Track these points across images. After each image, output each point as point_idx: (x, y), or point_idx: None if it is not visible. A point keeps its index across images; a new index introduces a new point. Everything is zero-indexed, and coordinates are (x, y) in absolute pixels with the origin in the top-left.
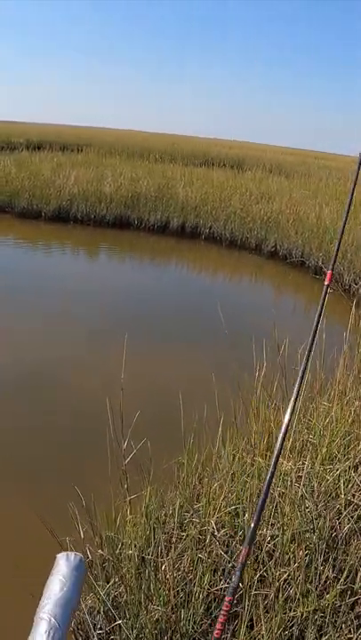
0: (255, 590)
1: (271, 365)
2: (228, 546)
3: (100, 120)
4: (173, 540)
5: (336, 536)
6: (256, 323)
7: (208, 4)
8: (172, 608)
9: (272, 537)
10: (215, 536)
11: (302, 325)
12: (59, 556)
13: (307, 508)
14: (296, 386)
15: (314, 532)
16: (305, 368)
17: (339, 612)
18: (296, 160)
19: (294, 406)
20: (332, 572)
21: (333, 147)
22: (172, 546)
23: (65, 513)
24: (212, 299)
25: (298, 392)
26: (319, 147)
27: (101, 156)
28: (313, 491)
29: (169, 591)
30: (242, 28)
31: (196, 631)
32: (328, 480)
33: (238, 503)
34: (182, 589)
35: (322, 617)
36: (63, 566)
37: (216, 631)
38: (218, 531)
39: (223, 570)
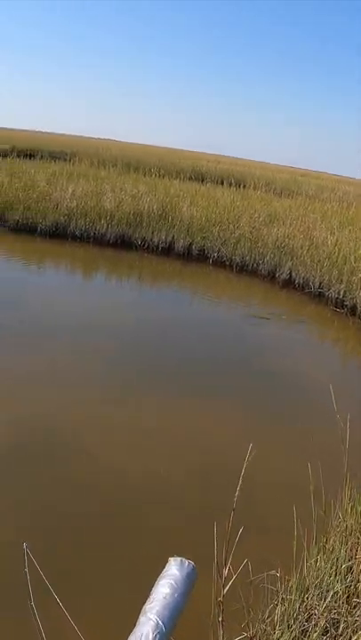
0: None
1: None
2: None
3: (72, 128)
4: None
5: None
6: (283, 366)
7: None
8: None
9: None
10: None
11: (335, 371)
12: (172, 560)
13: None
14: None
15: None
16: None
17: None
18: (286, 177)
19: None
20: None
21: (316, 164)
22: None
23: None
24: (228, 334)
25: None
26: (301, 164)
27: (95, 167)
28: None
29: None
30: (230, 38)
31: None
32: None
33: None
34: None
35: None
36: (176, 571)
37: None
38: None
39: None
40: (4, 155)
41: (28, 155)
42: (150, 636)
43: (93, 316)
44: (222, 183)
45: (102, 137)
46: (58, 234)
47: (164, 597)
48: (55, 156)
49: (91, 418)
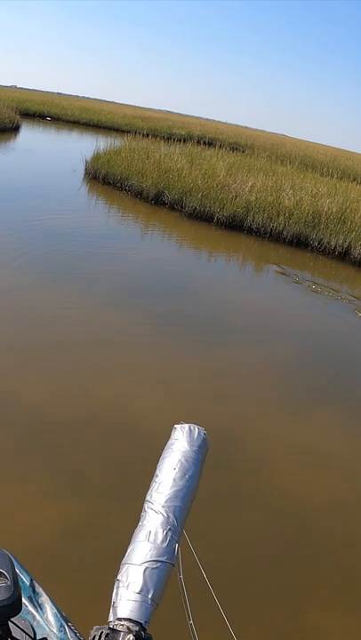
0: None
1: None
2: None
3: (244, 120)
4: None
5: None
6: None
7: None
8: None
9: None
10: None
11: None
12: (178, 427)
13: None
14: None
15: None
16: None
17: None
18: None
19: None
20: None
21: None
22: None
23: None
24: None
25: None
26: None
27: (272, 162)
28: None
29: None
30: None
31: None
32: None
33: None
34: None
35: None
36: (185, 444)
37: None
38: None
39: None
40: (183, 140)
41: (206, 142)
42: (160, 534)
43: (263, 316)
44: None
45: (275, 132)
46: (234, 225)
47: (175, 481)
48: (232, 147)
49: (269, 430)
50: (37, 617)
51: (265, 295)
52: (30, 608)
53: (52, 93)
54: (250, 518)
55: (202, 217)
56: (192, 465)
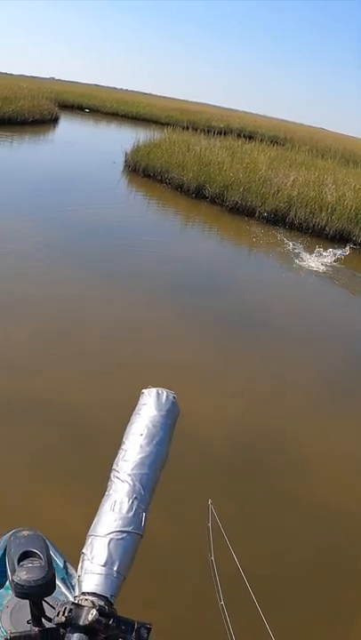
0: None
1: None
2: None
3: (281, 112)
4: None
5: None
6: None
7: None
8: None
9: None
10: None
11: None
12: (146, 392)
13: None
14: None
15: None
16: None
17: None
18: None
19: None
20: None
21: None
22: None
23: None
24: None
25: None
26: None
27: (313, 156)
28: None
29: None
30: None
31: None
32: None
33: None
34: None
35: None
36: (152, 409)
37: None
38: None
39: None
40: (223, 133)
41: (245, 136)
42: (126, 504)
43: (306, 315)
44: None
45: (314, 125)
46: (276, 220)
47: (140, 448)
48: (271, 140)
49: (312, 433)
50: (70, 598)
51: (307, 293)
52: (63, 589)
53: (90, 85)
54: (288, 521)
55: (243, 211)
56: (160, 430)
